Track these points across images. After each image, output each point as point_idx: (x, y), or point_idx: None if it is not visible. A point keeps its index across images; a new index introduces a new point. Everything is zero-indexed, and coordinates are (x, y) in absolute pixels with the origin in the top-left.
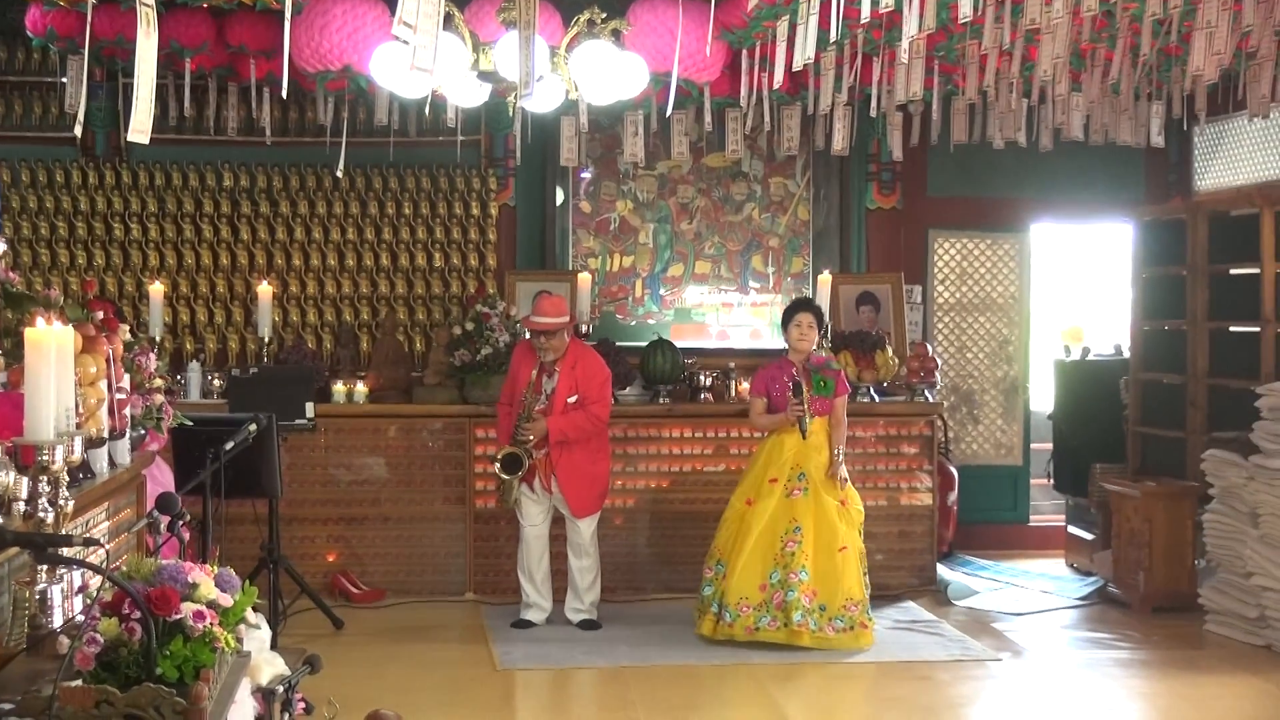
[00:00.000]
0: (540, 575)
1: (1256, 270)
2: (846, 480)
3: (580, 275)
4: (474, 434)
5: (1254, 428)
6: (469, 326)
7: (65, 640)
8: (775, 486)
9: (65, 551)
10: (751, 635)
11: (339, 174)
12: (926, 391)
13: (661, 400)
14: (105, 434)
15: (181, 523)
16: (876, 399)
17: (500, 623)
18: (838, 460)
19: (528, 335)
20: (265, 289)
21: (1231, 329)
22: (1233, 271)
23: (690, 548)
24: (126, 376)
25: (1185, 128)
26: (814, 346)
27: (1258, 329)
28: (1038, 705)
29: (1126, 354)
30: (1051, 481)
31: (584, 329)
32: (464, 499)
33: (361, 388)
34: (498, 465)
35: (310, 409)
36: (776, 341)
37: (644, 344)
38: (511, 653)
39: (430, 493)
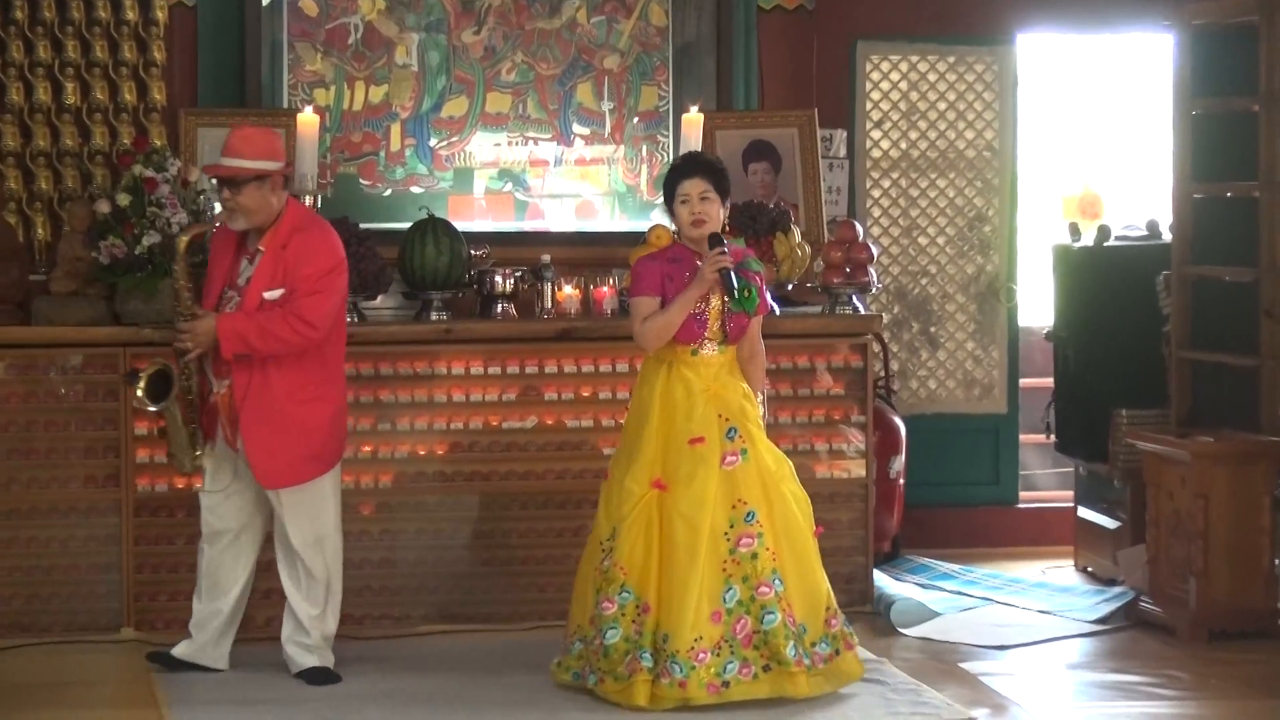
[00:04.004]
0: (230, 600)
1: None
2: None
3: (302, 117)
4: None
5: None
6: (123, 201)
7: None
8: (703, 449)
9: None
10: (719, 695)
11: None
12: (855, 299)
13: (435, 316)
14: None
15: None
16: (777, 310)
17: (178, 675)
18: (763, 411)
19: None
20: None
21: None
22: None
23: (487, 550)
24: None
25: None
26: (721, 228)
27: None
28: None
29: (1166, 236)
30: (1052, 439)
31: (309, 200)
32: (119, 478)
33: None
34: (140, 390)
35: None
36: (620, 222)
37: (406, 226)
38: None
39: (63, 469)
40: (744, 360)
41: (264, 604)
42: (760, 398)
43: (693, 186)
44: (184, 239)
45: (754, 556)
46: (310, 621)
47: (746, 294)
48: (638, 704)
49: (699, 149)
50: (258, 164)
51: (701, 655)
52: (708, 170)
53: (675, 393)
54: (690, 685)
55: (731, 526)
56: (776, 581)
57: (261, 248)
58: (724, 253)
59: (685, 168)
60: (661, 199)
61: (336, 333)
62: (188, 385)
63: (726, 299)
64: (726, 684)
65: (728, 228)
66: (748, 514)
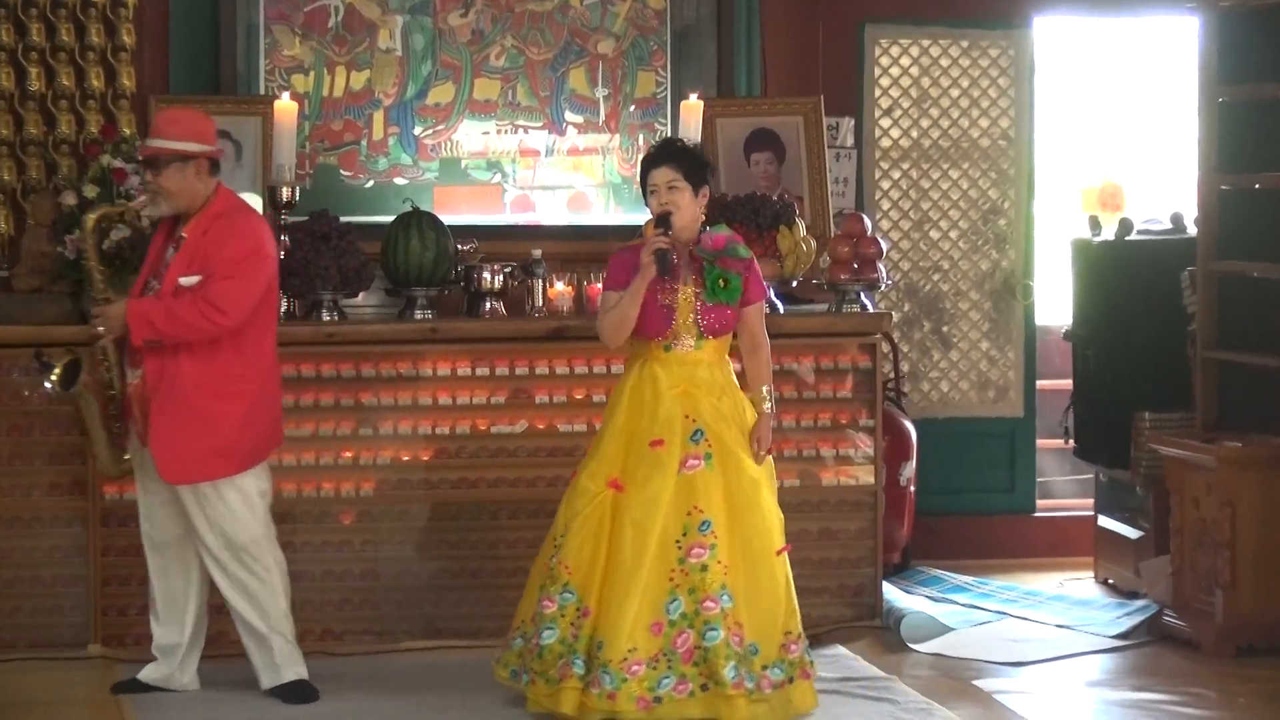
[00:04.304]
0: (189, 623)
1: None
2: (767, 437)
3: (279, 104)
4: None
5: None
6: (90, 193)
7: None
8: (662, 453)
9: None
10: (649, 711)
11: None
12: (863, 296)
13: (419, 315)
14: None
15: None
16: (780, 308)
17: (148, 695)
18: (767, 416)
19: None
20: None
21: None
22: None
23: (474, 561)
24: None
25: None
26: (698, 219)
27: None
28: None
29: (1191, 230)
30: (1071, 443)
31: (286, 192)
32: (85, 487)
33: None
34: (54, 377)
35: None
36: (615, 215)
37: (389, 219)
38: None
39: (26, 476)
40: (745, 354)
41: None
42: (766, 390)
43: (660, 176)
44: (91, 217)
45: (704, 568)
46: (266, 628)
47: (723, 283)
48: (563, 711)
49: (696, 138)
50: (180, 145)
51: (635, 667)
52: (675, 158)
53: (644, 391)
54: (620, 698)
55: (684, 534)
56: (725, 597)
57: (184, 234)
58: (665, 233)
59: (653, 157)
60: None
61: (259, 325)
62: (108, 379)
63: (699, 292)
64: (659, 699)
65: (705, 216)
66: (702, 523)
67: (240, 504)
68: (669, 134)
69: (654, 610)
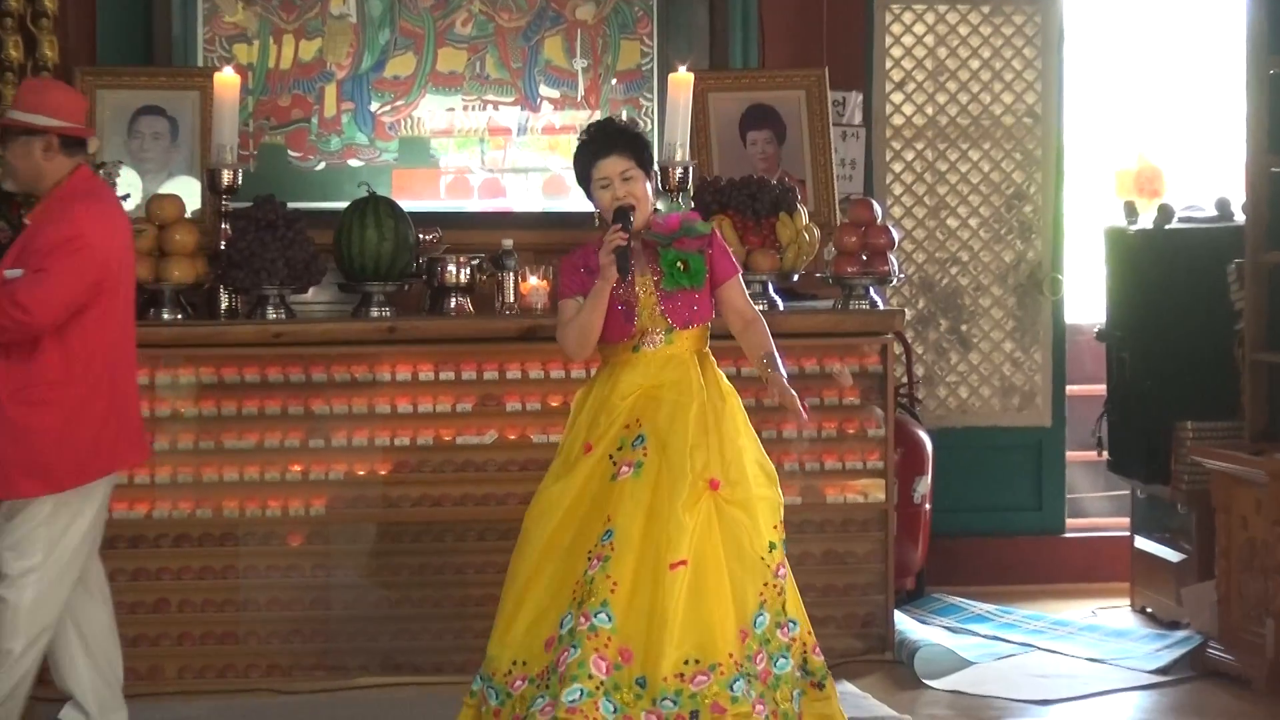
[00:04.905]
0: (99, 660)
1: None
2: (789, 392)
3: (219, 77)
4: None
5: None
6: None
7: None
8: (591, 459)
9: None
10: None
11: None
12: (873, 292)
13: (376, 312)
14: None
15: None
16: (779, 304)
17: None
18: (774, 377)
19: None
20: None
21: None
22: None
23: (437, 588)
24: None
25: None
26: (653, 206)
27: None
28: None
29: (1239, 217)
30: (1105, 456)
31: (227, 175)
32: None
33: None
34: None
35: None
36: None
37: (342, 206)
38: None
39: None
40: (738, 337)
41: (175, 652)
42: (763, 357)
43: (611, 167)
44: None
45: (591, 580)
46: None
47: (681, 268)
48: None
49: (675, 113)
50: (26, 116)
51: (518, 683)
52: (624, 145)
53: (604, 389)
54: (503, 715)
55: (596, 545)
56: (601, 615)
57: (27, 220)
58: (623, 228)
59: (599, 145)
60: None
61: (89, 324)
62: None
63: (657, 283)
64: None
65: (655, 206)
66: (606, 533)
67: (33, 531)
68: (655, 110)
69: (552, 624)
